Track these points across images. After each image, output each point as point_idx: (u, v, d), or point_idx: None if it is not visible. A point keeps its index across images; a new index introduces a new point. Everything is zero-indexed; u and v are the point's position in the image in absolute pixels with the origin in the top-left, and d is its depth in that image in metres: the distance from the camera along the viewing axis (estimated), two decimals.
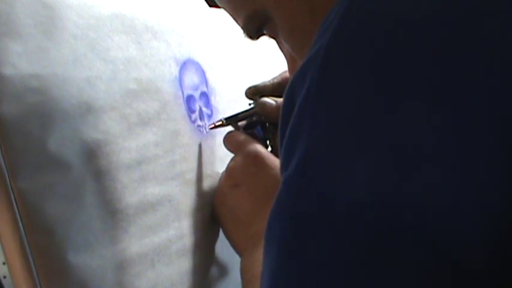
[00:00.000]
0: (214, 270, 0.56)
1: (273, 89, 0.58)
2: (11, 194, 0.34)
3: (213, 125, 0.56)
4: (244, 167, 0.53)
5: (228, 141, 0.55)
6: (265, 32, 0.45)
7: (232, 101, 0.63)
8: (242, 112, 0.57)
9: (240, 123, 0.57)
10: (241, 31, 0.46)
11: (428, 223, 0.21)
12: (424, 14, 0.24)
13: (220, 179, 0.56)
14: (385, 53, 0.24)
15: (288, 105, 0.28)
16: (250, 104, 0.58)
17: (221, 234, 0.57)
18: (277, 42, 0.46)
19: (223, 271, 0.57)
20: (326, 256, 0.23)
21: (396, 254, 0.22)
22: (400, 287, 0.22)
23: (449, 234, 0.21)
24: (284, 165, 0.27)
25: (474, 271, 0.21)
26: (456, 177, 0.21)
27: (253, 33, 0.45)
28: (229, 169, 0.54)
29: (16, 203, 0.34)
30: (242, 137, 0.55)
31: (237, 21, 0.46)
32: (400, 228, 0.22)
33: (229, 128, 0.57)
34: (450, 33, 0.23)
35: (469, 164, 0.21)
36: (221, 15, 0.61)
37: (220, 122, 0.56)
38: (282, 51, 0.47)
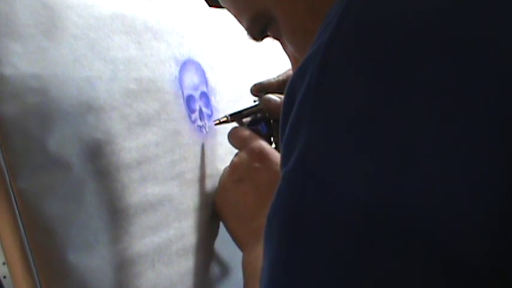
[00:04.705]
0: (214, 270, 0.56)
1: (278, 86, 0.58)
2: (11, 194, 0.34)
3: (217, 121, 0.56)
4: (249, 163, 0.53)
5: (232, 136, 0.56)
6: (269, 33, 0.45)
7: (232, 101, 0.63)
8: (247, 108, 0.58)
9: (244, 120, 0.58)
10: (245, 32, 0.46)
11: (428, 222, 0.21)
12: (425, 13, 0.24)
13: (223, 174, 0.56)
14: (384, 52, 0.24)
15: (288, 102, 0.28)
16: (255, 101, 0.59)
17: (221, 233, 0.57)
18: (281, 43, 0.47)
19: (223, 271, 0.57)
20: (325, 252, 0.23)
21: (396, 252, 0.22)
22: (399, 285, 0.22)
23: (449, 233, 0.21)
24: (284, 161, 0.27)
25: (474, 270, 0.21)
26: (456, 176, 0.21)
27: (257, 34, 0.45)
28: (233, 164, 0.55)
29: (16, 203, 0.34)
30: (247, 133, 0.55)
31: (241, 23, 0.46)
32: (399, 226, 0.22)
33: (234, 124, 0.57)
34: (450, 33, 0.23)
35: (469, 163, 0.21)
36: (221, 15, 0.61)
37: (225, 118, 0.56)
38: (286, 52, 0.47)
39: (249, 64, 0.70)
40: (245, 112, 0.57)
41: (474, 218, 0.21)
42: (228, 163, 0.57)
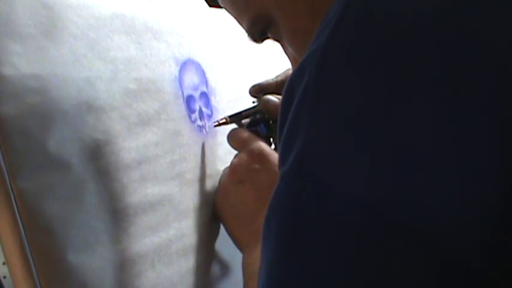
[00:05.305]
0: (214, 270, 0.56)
1: (276, 87, 0.58)
2: (11, 194, 0.34)
3: (216, 123, 0.56)
4: (249, 164, 0.53)
5: (231, 138, 0.56)
6: (269, 35, 0.45)
7: (232, 101, 0.63)
8: (246, 110, 0.58)
9: (243, 121, 0.58)
10: (246, 34, 0.46)
11: (428, 222, 0.21)
12: (424, 13, 0.24)
13: (223, 175, 0.57)
14: (383, 52, 0.24)
15: (286, 101, 0.28)
16: (253, 102, 0.59)
17: (221, 233, 0.57)
18: (281, 45, 0.46)
19: (223, 271, 0.57)
20: (325, 251, 0.23)
21: (396, 252, 0.22)
22: (399, 285, 0.22)
23: (449, 233, 0.21)
24: (282, 161, 0.27)
25: (474, 270, 0.21)
26: (456, 176, 0.21)
27: (257, 36, 0.45)
28: (233, 165, 0.55)
29: (16, 203, 0.34)
30: (246, 134, 0.55)
31: (241, 25, 0.46)
32: (399, 226, 0.22)
33: (233, 126, 0.57)
34: (450, 32, 0.23)
35: (469, 163, 0.21)
36: (221, 15, 0.61)
37: (224, 120, 0.56)
38: (287, 54, 0.47)
39: (249, 64, 0.70)
40: (244, 113, 0.57)
41: (474, 218, 0.21)
42: (228, 163, 0.57)
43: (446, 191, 0.21)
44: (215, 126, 0.56)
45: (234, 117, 0.57)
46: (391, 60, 0.24)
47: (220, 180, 0.57)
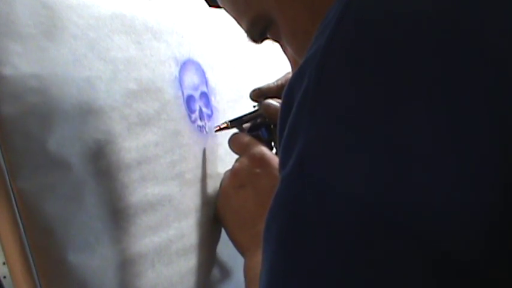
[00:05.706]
0: (214, 271, 0.56)
1: (277, 90, 0.58)
2: (11, 194, 0.34)
3: (218, 128, 0.56)
4: (250, 168, 0.53)
5: (233, 143, 0.56)
6: (268, 36, 0.45)
7: (232, 101, 0.63)
8: (247, 114, 0.58)
9: (244, 126, 0.57)
10: (245, 35, 0.46)
11: (427, 222, 0.21)
12: (425, 13, 0.24)
13: (224, 179, 0.56)
14: (383, 52, 0.24)
15: (286, 104, 0.28)
16: (254, 106, 0.59)
17: (222, 234, 0.57)
18: (281, 45, 0.46)
19: (223, 271, 0.57)
20: (325, 252, 0.23)
21: (396, 253, 0.22)
22: (399, 285, 0.22)
23: (449, 234, 0.21)
24: (282, 164, 0.27)
25: (474, 270, 0.21)
26: (454, 176, 0.21)
27: (257, 36, 0.45)
28: (234, 170, 0.55)
29: (16, 203, 0.34)
30: (247, 138, 0.55)
31: (240, 25, 0.46)
32: (399, 226, 0.22)
33: (234, 130, 0.57)
34: (450, 33, 0.23)
35: (469, 163, 0.21)
36: (221, 15, 0.61)
37: (225, 125, 0.56)
38: (286, 55, 0.47)
39: (249, 64, 0.70)
40: (245, 118, 0.57)
41: (474, 218, 0.21)
42: (228, 163, 0.57)
43: (446, 191, 0.21)
44: (216, 131, 0.56)
45: (235, 122, 0.57)
46: (391, 60, 0.24)
47: (221, 184, 0.56)
